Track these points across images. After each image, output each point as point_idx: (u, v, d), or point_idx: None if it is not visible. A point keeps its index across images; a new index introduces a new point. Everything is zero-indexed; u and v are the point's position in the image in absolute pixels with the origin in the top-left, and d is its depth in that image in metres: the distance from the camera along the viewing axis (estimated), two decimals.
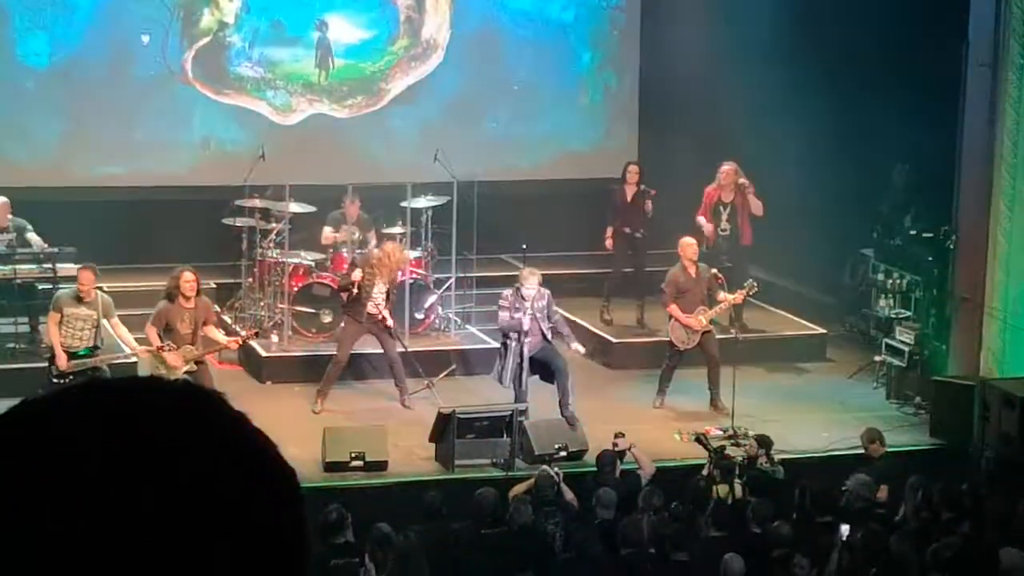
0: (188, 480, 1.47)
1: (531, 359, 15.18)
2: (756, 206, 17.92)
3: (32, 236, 16.60)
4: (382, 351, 16.15)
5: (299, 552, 1.54)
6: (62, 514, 1.43)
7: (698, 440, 14.05)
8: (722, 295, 16.29)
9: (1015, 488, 12.81)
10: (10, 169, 18.65)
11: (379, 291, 15.82)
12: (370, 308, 15.78)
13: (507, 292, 15.40)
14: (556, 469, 13.45)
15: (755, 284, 16.65)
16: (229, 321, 17.53)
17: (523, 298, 15.15)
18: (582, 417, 15.21)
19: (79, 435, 1.48)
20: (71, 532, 1.43)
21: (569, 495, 13.03)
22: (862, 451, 14.08)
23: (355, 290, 15.75)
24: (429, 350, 17.26)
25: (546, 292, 15.43)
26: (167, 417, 1.51)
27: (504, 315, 15.19)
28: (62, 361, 14.29)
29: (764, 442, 13.95)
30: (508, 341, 15.20)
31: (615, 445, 13.73)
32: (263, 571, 1.49)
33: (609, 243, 18.50)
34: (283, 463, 1.57)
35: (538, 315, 15.25)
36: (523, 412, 14.81)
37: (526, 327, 15.09)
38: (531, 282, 15.24)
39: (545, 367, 15.39)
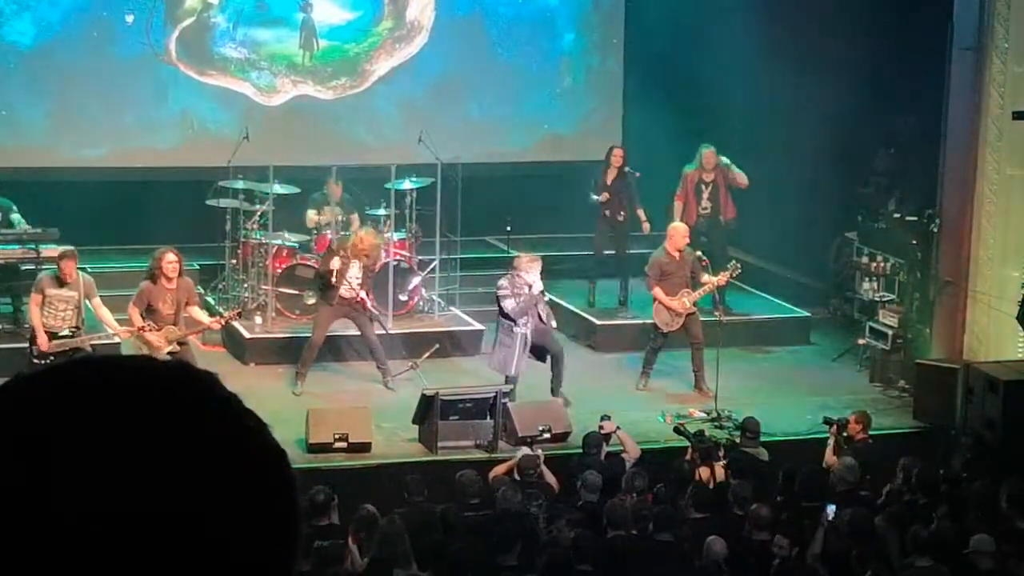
0: (180, 460, 1.46)
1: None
2: (741, 178, 17.93)
3: (16, 217, 16.59)
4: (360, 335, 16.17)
5: (291, 534, 1.54)
6: (53, 493, 1.43)
7: (676, 431, 14.05)
8: (706, 277, 16.28)
9: (996, 472, 12.83)
10: None
11: (354, 275, 15.81)
12: (344, 291, 15.77)
13: (503, 281, 15.38)
14: (538, 451, 13.48)
15: (738, 265, 16.66)
16: (212, 302, 17.51)
17: (527, 284, 15.15)
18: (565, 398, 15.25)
19: (69, 414, 1.47)
20: (63, 513, 1.43)
21: (550, 478, 13.04)
22: (845, 433, 14.09)
23: (332, 278, 15.75)
24: (413, 332, 17.27)
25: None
26: (160, 397, 1.51)
27: (510, 303, 15.15)
28: (43, 343, 14.25)
29: (750, 426, 13.96)
30: (515, 328, 15.17)
31: (601, 428, 13.75)
32: (255, 553, 1.49)
33: (601, 198, 18.25)
34: (275, 445, 1.57)
35: (536, 298, 15.30)
36: (507, 394, 14.81)
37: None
38: (534, 269, 15.26)
39: (541, 350, 15.42)
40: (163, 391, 1.52)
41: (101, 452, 1.44)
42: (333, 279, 15.74)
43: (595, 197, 18.19)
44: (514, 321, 15.19)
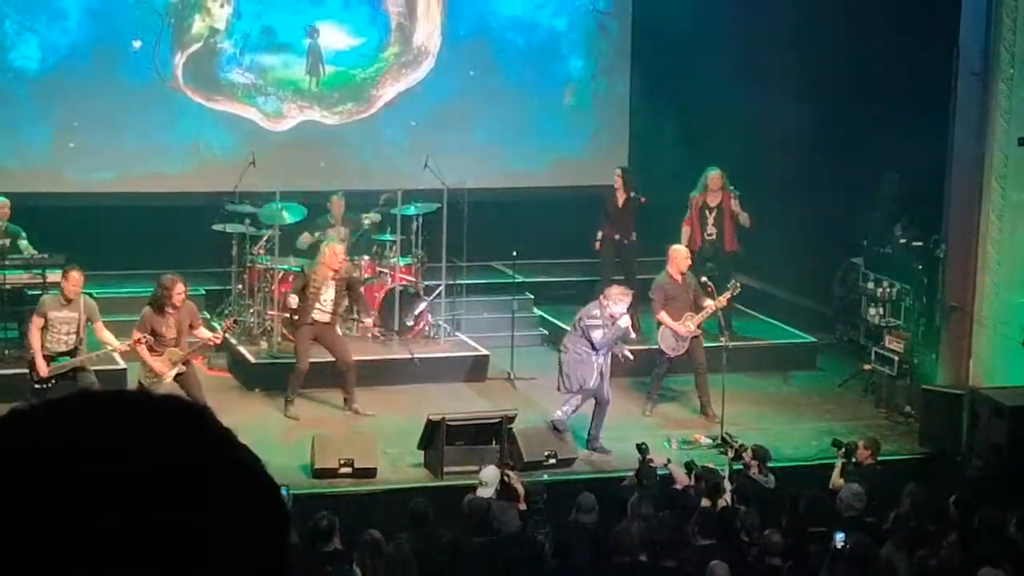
0: (173, 498, 1.46)
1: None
2: (745, 218, 17.97)
3: (24, 243, 16.64)
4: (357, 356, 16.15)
5: (281, 569, 1.53)
6: (45, 533, 1.43)
7: (688, 467, 13.93)
8: (708, 301, 16.25)
9: (1003, 497, 12.79)
10: (0, 175, 18.63)
11: (328, 297, 15.81)
12: (317, 315, 15.77)
13: (595, 311, 15.23)
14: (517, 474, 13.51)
15: (738, 285, 16.64)
16: (218, 327, 17.49)
17: (612, 316, 15.08)
18: (572, 423, 15.21)
19: (62, 452, 1.47)
20: (53, 551, 1.43)
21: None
22: (854, 459, 14.07)
23: (299, 301, 15.74)
24: (418, 357, 17.28)
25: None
26: (155, 433, 1.50)
27: (599, 333, 15.03)
28: (42, 368, 14.21)
29: (760, 453, 13.93)
30: (594, 357, 15.08)
31: (651, 461, 13.66)
32: None
33: (597, 246, 18.57)
34: (269, 480, 1.57)
35: (621, 332, 15.24)
36: (512, 419, 14.77)
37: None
38: (624, 301, 15.19)
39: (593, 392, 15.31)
40: (158, 427, 1.52)
41: (94, 490, 1.44)
42: (297, 303, 15.73)
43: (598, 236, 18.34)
44: (596, 350, 15.12)
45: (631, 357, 15.73)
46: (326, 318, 15.85)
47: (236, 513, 1.50)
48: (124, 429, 1.50)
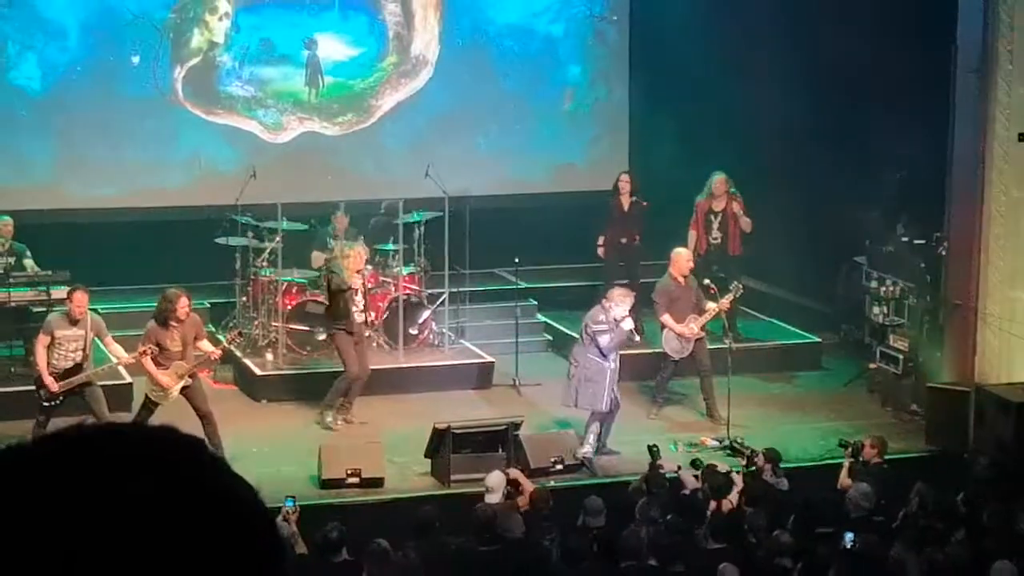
0: (167, 529, 1.48)
1: None
2: (745, 223, 17.99)
3: (28, 262, 16.66)
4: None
5: None
6: (39, 563, 1.44)
7: (695, 464, 13.94)
8: (710, 304, 16.25)
9: (1011, 494, 12.79)
10: (2, 192, 18.64)
11: (359, 299, 15.91)
12: (357, 316, 15.83)
13: (598, 315, 15.17)
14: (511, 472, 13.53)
15: (740, 286, 16.65)
16: (223, 340, 17.49)
17: (615, 320, 15.06)
18: (578, 427, 15.21)
19: (55, 491, 1.48)
20: None
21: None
22: (861, 457, 14.07)
23: (343, 307, 15.72)
24: (423, 366, 17.29)
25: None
26: (149, 465, 1.51)
27: (605, 338, 14.99)
28: (51, 385, 14.20)
29: (772, 456, 13.93)
30: (604, 363, 15.06)
31: (660, 467, 13.64)
32: None
33: (600, 251, 18.63)
34: (263, 509, 1.58)
35: (627, 334, 15.24)
36: (518, 426, 14.76)
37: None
38: (626, 303, 15.18)
39: None
40: (152, 458, 1.53)
41: (89, 521, 1.46)
42: (343, 308, 15.75)
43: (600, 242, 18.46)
44: (605, 357, 15.10)
45: (638, 338, 15.73)
46: (361, 318, 15.93)
47: (230, 542, 1.51)
48: (119, 461, 1.51)
